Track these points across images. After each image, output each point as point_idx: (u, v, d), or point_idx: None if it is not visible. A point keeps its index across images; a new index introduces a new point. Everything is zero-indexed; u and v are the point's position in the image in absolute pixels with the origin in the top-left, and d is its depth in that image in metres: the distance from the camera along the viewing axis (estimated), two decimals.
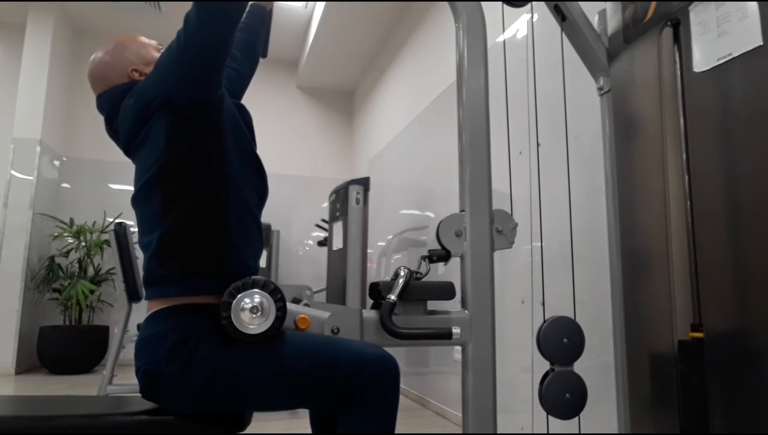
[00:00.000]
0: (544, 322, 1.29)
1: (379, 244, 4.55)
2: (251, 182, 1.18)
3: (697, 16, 1.18)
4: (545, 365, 1.30)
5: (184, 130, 1.09)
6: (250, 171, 1.18)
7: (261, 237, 1.19)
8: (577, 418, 1.81)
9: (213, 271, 1.07)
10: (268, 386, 1.03)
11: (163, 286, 1.07)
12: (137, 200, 1.13)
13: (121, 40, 1.26)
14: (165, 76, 1.09)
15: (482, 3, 1.28)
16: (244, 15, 1.53)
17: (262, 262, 4.76)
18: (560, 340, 1.28)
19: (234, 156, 1.14)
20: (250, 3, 1.55)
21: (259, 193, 1.21)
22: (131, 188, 5.19)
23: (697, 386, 1.12)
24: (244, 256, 1.12)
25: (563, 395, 1.27)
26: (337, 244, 3.49)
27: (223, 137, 1.12)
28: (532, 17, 2.33)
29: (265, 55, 1.60)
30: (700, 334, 1.13)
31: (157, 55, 1.27)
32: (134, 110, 1.12)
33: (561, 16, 1.51)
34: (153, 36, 5.32)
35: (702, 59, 1.16)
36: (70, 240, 4.80)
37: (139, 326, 3.40)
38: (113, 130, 1.22)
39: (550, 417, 1.28)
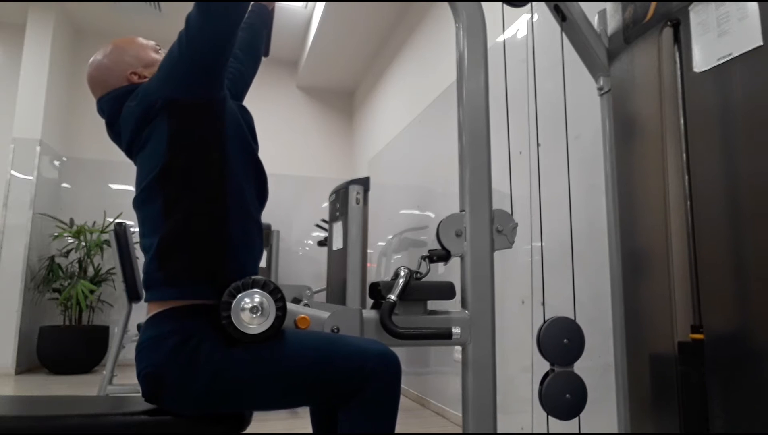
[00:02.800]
0: (544, 322, 1.29)
1: (379, 244, 4.55)
2: (252, 185, 1.17)
3: (697, 16, 1.18)
4: (545, 365, 1.30)
5: (186, 132, 1.09)
6: (251, 174, 1.18)
7: (261, 240, 1.18)
8: (577, 417, 1.81)
9: (212, 274, 1.07)
10: (270, 385, 1.03)
11: (162, 288, 1.06)
12: (139, 202, 1.12)
13: (120, 42, 1.25)
14: (167, 77, 1.09)
15: (482, 3, 1.28)
16: (246, 14, 1.54)
17: (262, 262, 4.76)
18: (560, 341, 1.28)
19: (236, 158, 1.13)
20: (252, 2, 1.55)
21: (260, 197, 1.21)
22: (131, 188, 5.19)
23: (697, 387, 1.12)
24: (244, 260, 1.11)
25: (563, 396, 1.27)
26: (337, 244, 3.49)
27: (225, 139, 1.12)
28: (532, 17, 2.33)
29: (266, 54, 1.60)
30: (700, 335, 1.13)
31: (156, 56, 1.27)
32: (137, 112, 1.12)
33: (561, 16, 1.51)
34: (153, 36, 5.32)
35: (702, 59, 1.16)
36: (70, 240, 4.80)
37: (139, 326, 3.41)
38: (115, 133, 1.22)
39: (550, 417, 1.28)
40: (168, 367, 1.01)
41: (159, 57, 1.27)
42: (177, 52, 1.07)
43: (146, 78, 1.22)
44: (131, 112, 1.14)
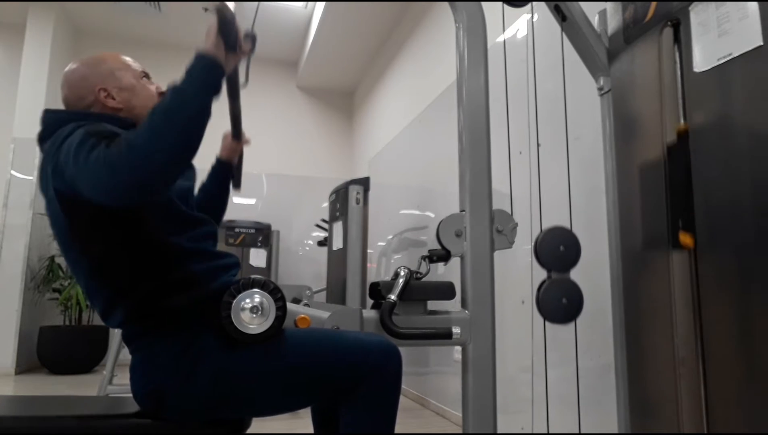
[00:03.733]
0: (541, 232, 1.30)
1: (379, 244, 4.55)
2: (197, 233, 1.09)
3: (697, 16, 1.18)
4: (545, 365, 1.30)
5: (104, 230, 1.00)
6: (193, 230, 1.09)
7: (230, 259, 1.12)
8: (577, 418, 1.81)
9: (196, 320, 1.03)
10: (272, 386, 1.03)
11: (149, 342, 1.03)
12: (86, 293, 1.05)
13: (104, 55, 1.17)
14: (80, 171, 0.91)
15: (482, 3, 1.28)
16: (206, 177, 1.42)
17: (263, 262, 4.75)
18: (557, 248, 1.29)
19: (168, 227, 1.04)
20: (216, 158, 1.43)
21: (210, 236, 1.13)
22: None
23: (684, 183, 1.12)
24: (220, 290, 1.03)
25: (560, 301, 1.28)
26: (337, 244, 3.49)
27: (145, 222, 1.01)
28: (532, 17, 2.33)
29: (238, 186, 1.48)
30: (684, 126, 1.14)
31: (135, 83, 1.15)
32: (45, 168, 1.01)
33: (561, 16, 1.51)
34: (153, 36, 5.32)
35: (702, 59, 1.16)
36: None
37: None
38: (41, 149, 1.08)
39: (550, 417, 1.28)
40: (172, 379, 0.99)
41: (141, 84, 1.17)
42: (115, 155, 0.87)
43: (114, 101, 1.13)
44: (48, 153, 1.02)
